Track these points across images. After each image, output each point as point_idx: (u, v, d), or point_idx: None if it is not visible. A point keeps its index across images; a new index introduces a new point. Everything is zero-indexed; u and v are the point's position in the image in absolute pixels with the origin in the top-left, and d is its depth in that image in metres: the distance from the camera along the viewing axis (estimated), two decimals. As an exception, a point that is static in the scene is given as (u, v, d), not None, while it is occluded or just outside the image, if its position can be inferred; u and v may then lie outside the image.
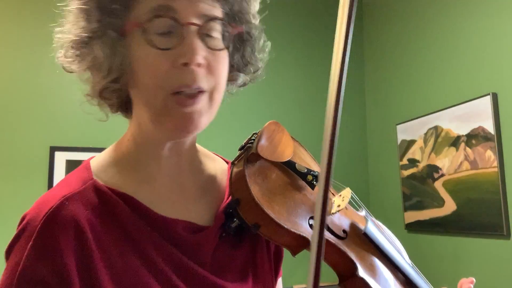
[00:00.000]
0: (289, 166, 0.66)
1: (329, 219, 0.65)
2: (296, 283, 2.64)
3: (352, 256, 0.64)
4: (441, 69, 2.50)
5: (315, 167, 0.70)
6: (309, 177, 0.66)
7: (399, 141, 2.79)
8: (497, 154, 2.07)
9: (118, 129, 2.81)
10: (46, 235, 0.51)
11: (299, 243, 0.60)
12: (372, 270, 0.65)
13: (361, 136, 3.19)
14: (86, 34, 0.53)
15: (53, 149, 2.52)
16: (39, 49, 2.62)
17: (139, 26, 0.52)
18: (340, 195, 0.69)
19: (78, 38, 0.53)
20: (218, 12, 0.56)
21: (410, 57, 2.78)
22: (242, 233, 0.63)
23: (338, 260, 0.64)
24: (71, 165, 2.54)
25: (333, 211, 0.66)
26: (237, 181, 0.60)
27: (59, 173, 2.52)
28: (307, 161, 0.71)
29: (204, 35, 0.54)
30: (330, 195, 0.70)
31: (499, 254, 2.08)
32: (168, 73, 0.52)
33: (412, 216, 2.63)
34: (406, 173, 2.71)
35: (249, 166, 0.61)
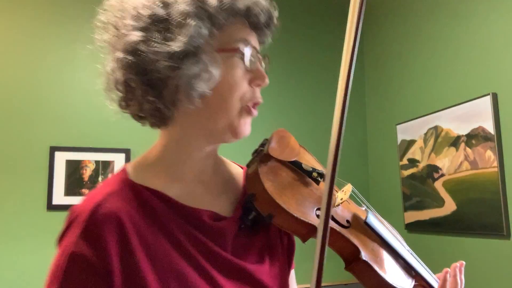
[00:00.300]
0: (296, 165, 0.75)
1: (333, 211, 0.74)
2: (297, 283, 2.64)
3: (355, 242, 0.72)
4: (441, 69, 2.50)
5: (319, 168, 0.80)
6: (314, 174, 0.75)
7: (399, 141, 2.79)
8: (497, 154, 2.07)
9: (117, 130, 2.78)
10: (92, 224, 0.61)
11: (308, 231, 0.69)
12: (374, 255, 0.74)
13: (361, 136, 3.19)
14: (192, 48, 0.62)
15: (53, 149, 2.52)
16: (40, 49, 2.62)
17: (236, 51, 0.66)
18: (343, 190, 0.79)
19: (188, 48, 0.62)
20: None
21: (410, 57, 2.78)
22: (258, 225, 0.72)
23: (343, 246, 0.73)
24: (71, 165, 2.54)
25: (336, 203, 0.76)
26: (253, 178, 0.70)
27: (59, 173, 2.52)
28: (312, 163, 0.80)
29: None
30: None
31: (499, 254, 2.07)
32: (248, 89, 0.67)
33: (412, 216, 2.63)
34: (406, 173, 2.71)
35: (262, 165, 0.71)
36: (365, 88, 3.24)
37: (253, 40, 0.69)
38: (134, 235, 0.62)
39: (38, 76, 2.59)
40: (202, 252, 0.65)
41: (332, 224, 0.71)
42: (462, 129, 2.30)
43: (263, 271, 0.70)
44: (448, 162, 2.38)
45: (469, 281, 2.24)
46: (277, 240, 0.76)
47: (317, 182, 0.76)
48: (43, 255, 2.45)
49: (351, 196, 0.82)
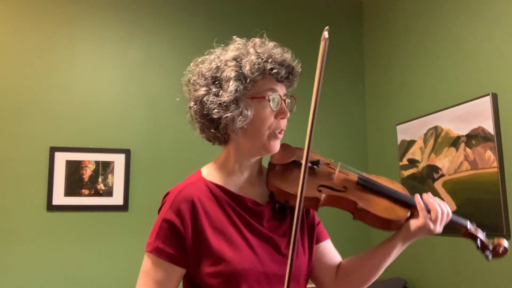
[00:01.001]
0: (294, 163, 1.07)
1: (331, 182, 1.06)
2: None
3: (352, 198, 1.02)
4: (441, 69, 2.50)
5: (318, 158, 1.11)
6: (309, 164, 1.02)
7: (399, 141, 2.79)
8: (497, 154, 2.07)
9: (117, 130, 2.78)
10: (176, 201, 0.97)
11: (315, 202, 1.01)
12: (369, 202, 1.03)
13: (361, 136, 3.19)
14: (233, 98, 0.95)
15: (53, 149, 2.52)
16: (40, 49, 2.62)
17: (264, 97, 0.98)
18: (334, 168, 1.12)
19: (231, 99, 0.95)
20: None
21: (410, 57, 2.78)
22: (286, 210, 1.06)
23: (345, 204, 1.03)
24: (71, 165, 2.54)
25: (333, 177, 1.08)
26: (268, 182, 1.03)
27: (59, 173, 2.51)
28: (312, 156, 1.08)
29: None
30: (330, 170, 1.10)
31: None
32: (273, 122, 0.99)
33: (412, 216, 2.63)
34: (406, 173, 2.71)
35: (271, 171, 1.05)
36: (365, 88, 3.24)
37: (279, 87, 1.01)
38: (201, 210, 0.97)
39: (38, 76, 2.59)
40: (244, 224, 0.99)
41: (334, 192, 1.03)
42: (462, 129, 2.30)
43: (283, 241, 1.01)
44: (448, 162, 2.38)
45: (469, 281, 2.25)
46: (301, 220, 1.07)
47: (313, 169, 1.08)
48: (43, 255, 2.45)
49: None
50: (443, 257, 2.41)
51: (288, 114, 1.01)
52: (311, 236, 1.10)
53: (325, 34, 0.84)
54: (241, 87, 0.96)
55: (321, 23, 3.19)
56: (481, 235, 1.14)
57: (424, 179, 2.55)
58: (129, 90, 2.71)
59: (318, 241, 1.13)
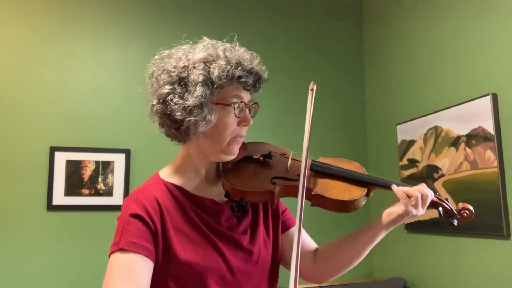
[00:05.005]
0: (247, 159, 1.08)
1: (286, 173, 1.05)
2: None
3: (306, 185, 0.98)
4: (441, 69, 2.50)
5: (272, 148, 1.12)
6: (261, 158, 1.07)
7: (399, 141, 2.79)
8: (497, 154, 2.07)
9: (117, 130, 2.76)
10: (141, 199, 0.95)
11: (270, 195, 1.01)
12: (324, 187, 1.02)
13: (361, 136, 3.19)
14: (198, 103, 0.94)
15: (53, 149, 2.52)
16: (40, 49, 2.62)
17: (229, 104, 0.97)
18: (288, 157, 1.11)
19: (196, 104, 0.93)
20: None
21: (410, 57, 2.78)
22: (245, 208, 1.05)
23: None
24: (71, 165, 2.54)
25: (287, 166, 1.07)
26: (223, 182, 1.04)
27: (59, 173, 2.52)
28: (267, 148, 1.12)
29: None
30: (285, 160, 1.09)
31: (499, 254, 2.08)
32: (235, 128, 0.99)
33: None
34: (406, 173, 2.71)
35: (225, 170, 1.05)
36: (365, 88, 3.24)
37: (244, 94, 1.00)
38: (166, 212, 0.96)
39: (38, 76, 2.59)
40: (204, 224, 0.99)
41: (288, 182, 1.02)
42: (462, 129, 2.30)
43: (244, 238, 1.03)
44: (448, 162, 2.38)
45: (469, 281, 2.24)
46: (261, 215, 1.09)
47: (266, 162, 1.07)
48: (43, 255, 2.45)
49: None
50: (443, 257, 2.41)
51: (251, 122, 1.01)
52: (276, 225, 1.11)
53: (312, 84, 0.91)
54: (208, 92, 0.94)
55: (321, 21, 3.19)
56: (445, 201, 1.11)
57: (424, 179, 2.54)
58: (129, 90, 2.71)
59: (287, 228, 1.13)
